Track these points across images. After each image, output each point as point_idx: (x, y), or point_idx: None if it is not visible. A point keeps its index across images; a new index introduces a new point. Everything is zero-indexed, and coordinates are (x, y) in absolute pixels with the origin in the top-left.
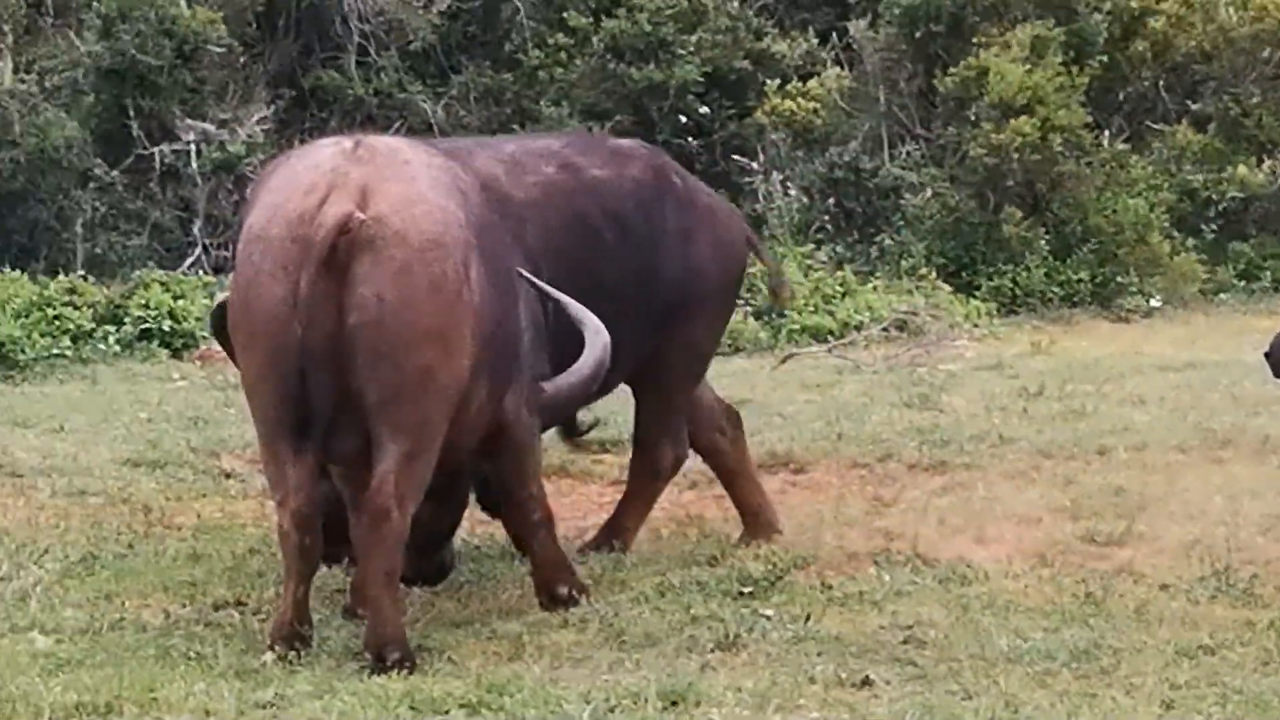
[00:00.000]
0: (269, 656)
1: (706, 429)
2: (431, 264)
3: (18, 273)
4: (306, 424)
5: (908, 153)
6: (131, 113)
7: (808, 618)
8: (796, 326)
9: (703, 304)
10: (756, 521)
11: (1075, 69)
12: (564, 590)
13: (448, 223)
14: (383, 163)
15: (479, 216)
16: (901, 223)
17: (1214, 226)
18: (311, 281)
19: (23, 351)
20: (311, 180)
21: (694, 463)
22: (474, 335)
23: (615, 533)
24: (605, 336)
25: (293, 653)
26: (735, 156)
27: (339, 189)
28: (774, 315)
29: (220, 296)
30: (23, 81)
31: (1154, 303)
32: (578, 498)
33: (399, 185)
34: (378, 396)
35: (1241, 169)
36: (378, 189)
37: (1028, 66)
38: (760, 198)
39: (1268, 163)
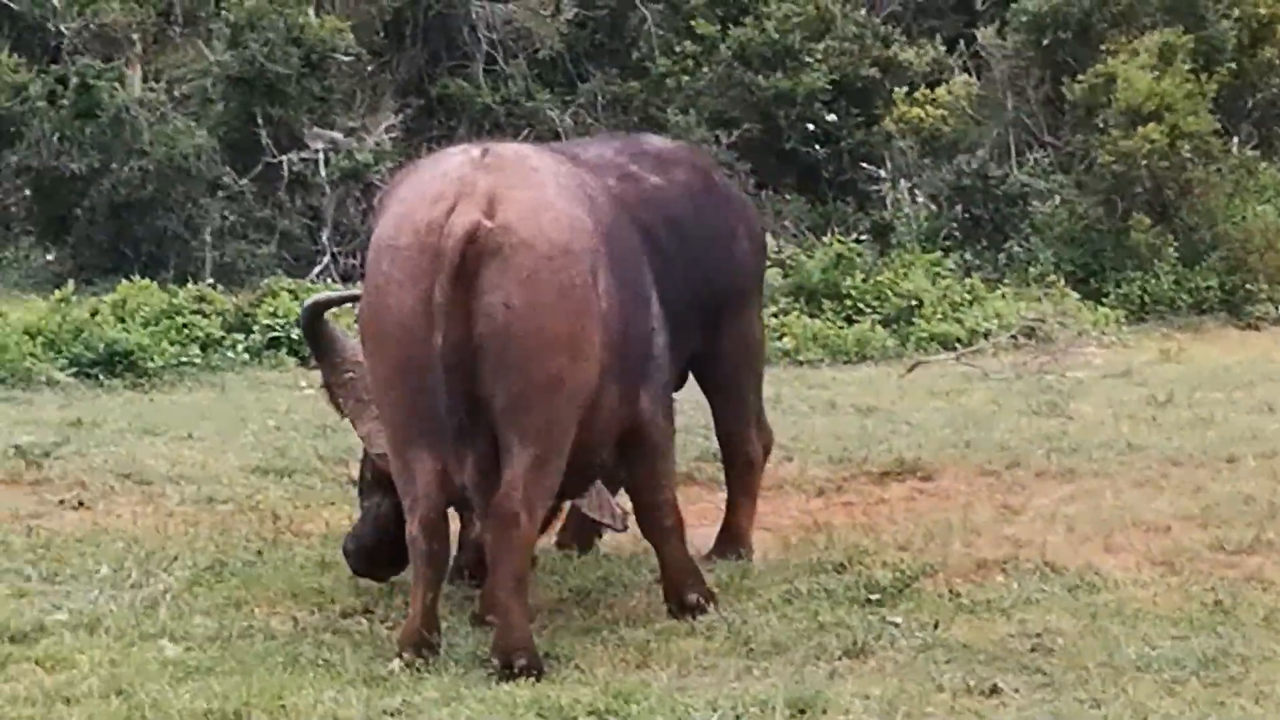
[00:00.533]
0: (397, 664)
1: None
2: (559, 271)
3: (147, 281)
4: (434, 430)
5: (1035, 160)
6: (260, 121)
7: (936, 625)
8: (925, 334)
9: (748, 297)
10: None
11: (1204, 75)
12: (693, 597)
13: (575, 229)
14: (510, 170)
15: (607, 221)
16: (1029, 230)
17: None
18: (441, 290)
19: (152, 360)
20: (439, 189)
21: (821, 471)
22: (602, 341)
23: (733, 537)
24: None
25: (420, 660)
26: (862, 164)
27: (466, 198)
28: (902, 323)
29: (311, 298)
30: (152, 90)
31: None
32: (705, 506)
33: (526, 193)
34: (506, 403)
35: None
36: (505, 197)
37: (1156, 73)
38: (888, 205)
39: None
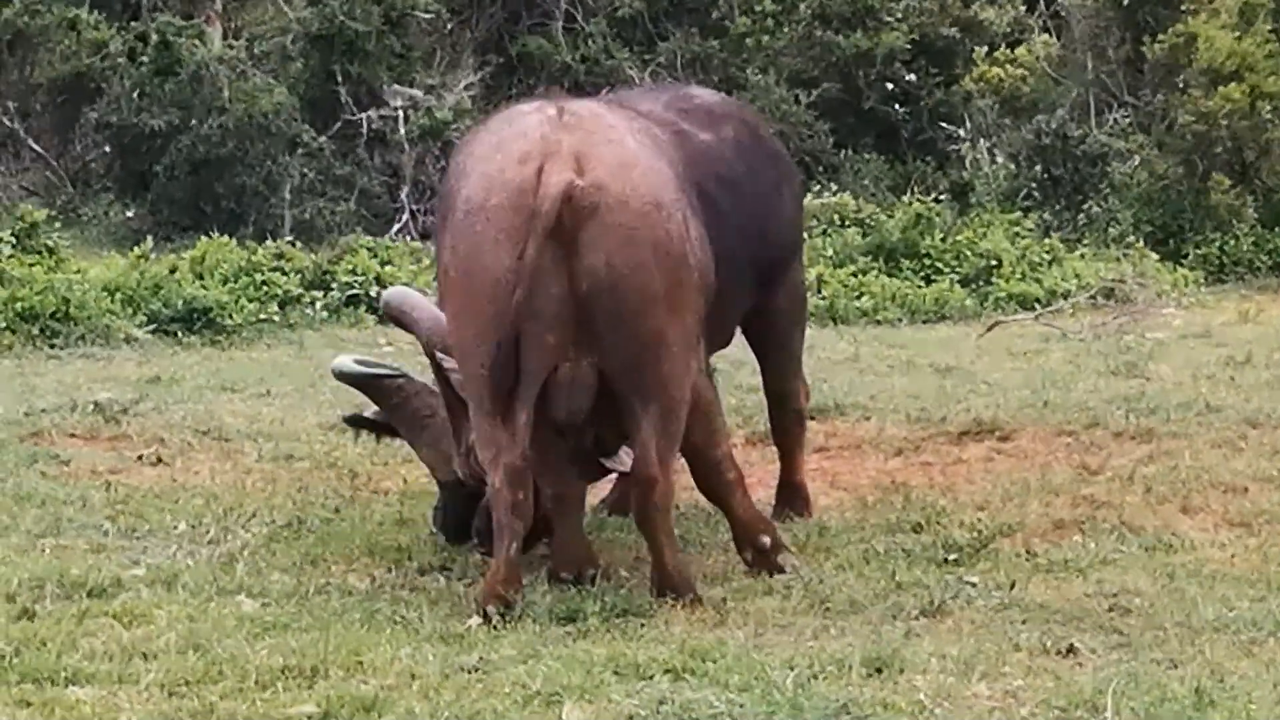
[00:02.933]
0: (474, 621)
1: None
2: (655, 227)
3: (226, 238)
4: (521, 385)
5: (1115, 120)
6: (339, 79)
7: (1013, 585)
8: (1003, 294)
9: (795, 251)
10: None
11: None
12: (766, 540)
13: (664, 184)
14: (590, 128)
15: (683, 175)
16: (1109, 190)
17: None
18: (538, 250)
19: (230, 317)
20: (524, 149)
21: (899, 430)
22: (699, 292)
23: (792, 492)
24: None
25: (499, 616)
26: (942, 124)
27: (553, 157)
28: (981, 283)
29: (337, 366)
30: (231, 48)
31: None
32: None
33: (610, 149)
34: (621, 363)
35: None
36: (591, 155)
37: (1237, 33)
38: (967, 165)
39: None
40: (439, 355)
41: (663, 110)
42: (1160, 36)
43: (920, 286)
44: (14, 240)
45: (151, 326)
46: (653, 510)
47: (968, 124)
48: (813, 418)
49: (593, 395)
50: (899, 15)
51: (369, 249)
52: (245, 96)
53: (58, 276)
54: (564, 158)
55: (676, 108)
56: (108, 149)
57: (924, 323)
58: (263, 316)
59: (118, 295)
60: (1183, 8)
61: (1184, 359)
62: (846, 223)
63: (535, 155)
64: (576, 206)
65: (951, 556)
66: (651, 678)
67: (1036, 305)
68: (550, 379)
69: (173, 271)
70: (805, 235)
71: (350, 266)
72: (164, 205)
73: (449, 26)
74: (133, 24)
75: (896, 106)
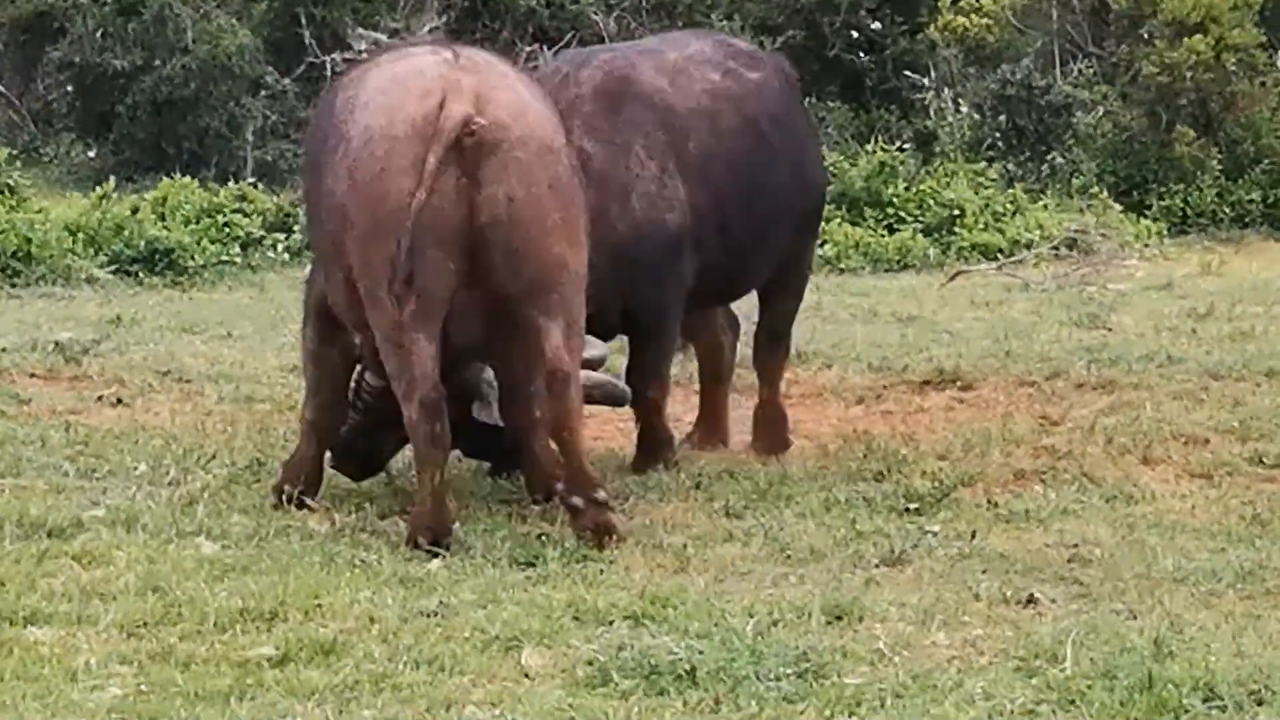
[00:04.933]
0: (434, 564)
1: (712, 329)
2: (550, 166)
3: (188, 179)
4: (429, 313)
5: (1080, 70)
6: (304, 21)
7: (973, 535)
8: (966, 244)
9: (822, 197)
10: (709, 429)
11: None
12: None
13: (555, 129)
14: (486, 72)
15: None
16: (1073, 141)
17: None
18: (437, 175)
19: (192, 258)
20: (424, 85)
21: (861, 379)
22: (586, 231)
23: (773, 415)
24: (601, 349)
25: (437, 545)
26: (906, 73)
27: (454, 94)
28: (944, 232)
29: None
30: None
31: None
32: (744, 412)
33: (508, 94)
34: (522, 287)
35: None
36: (490, 96)
37: None
38: (931, 114)
39: None
40: None
41: (711, 49)
42: None
43: (883, 235)
44: None
45: (113, 267)
46: (568, 405)
47: (932, 73)
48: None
49: (485, 324)
50: None
51: None
52: (209, 37)
53: (19, 216)
54: (465, 95)
55: (724, 49)
56: (70, 89)
57: (887, 272)
58: (224, 258)
59: (79, 235)
60: None
61: (1146, 310)
62: None
63: (436, 91)
64: (479, 142)
65: (912, 505)
66: (611, 624)
67: (999, 255)
68: (449, 308)
69: (134, 212)
70: None
71: None
72: (126, 146)
73: None
74: None
75: (861, 55)
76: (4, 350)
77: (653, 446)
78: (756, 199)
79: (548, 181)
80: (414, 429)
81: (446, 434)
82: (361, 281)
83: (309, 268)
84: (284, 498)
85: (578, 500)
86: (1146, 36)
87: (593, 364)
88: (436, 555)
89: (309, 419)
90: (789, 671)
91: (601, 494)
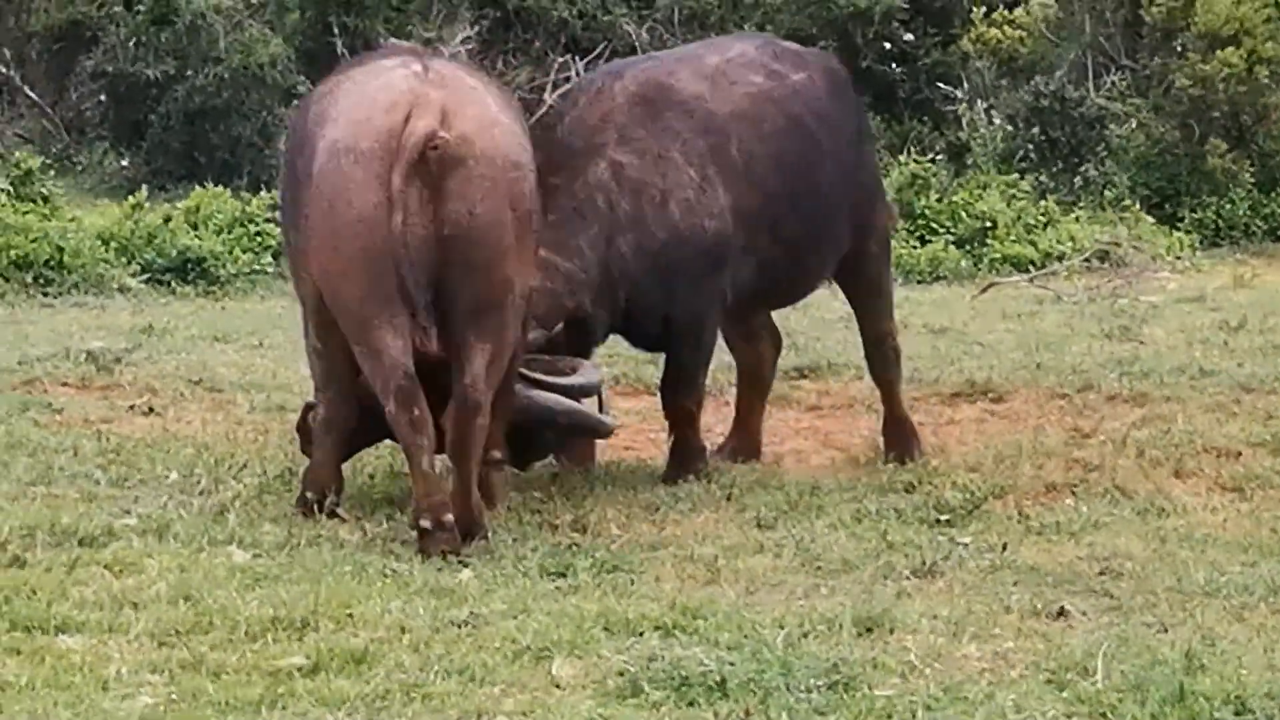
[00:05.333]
0: (466, 574)
1: (755, 340)
2: (513, 184)
3: (221, 188)
4: (396, 311)
5: (1113, 83)
6: (336, 30)
7: (1004, 547)
8: (998, 256)
9: (880, 197)
10: (744, 441)
11: None
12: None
13: (521, 146)
14: (456, 86)
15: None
16: (1105, 153)
17: None
18: (404, 190)
19: (224, 267)
20: (391, 99)
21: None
22: (535, 251)
23: (898, 429)
24: (598, 374)
25: (440, 529)
26: (939, 84)
27: (421, 108)
28: (976, 245)
29: None
30: None
31: None
32: (776, 423)
33: (476, 108)
34: (469, 304)
35: None
36: (458, 110)
37: None
38: (964, 126)
39: None
40: None
41: (755, 51)
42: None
43: (915, 247)
44: (9, 188)
45: (145, 276)
46: (473, 434)
47: (965, 85)
48: (805, 376)
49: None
50: None
51: None
52: (241, 47)
53: (52, 225)
54: (431, 109)
55: (769, 50)
56: (103, 97)
57: (919, 283)
58: (256, 267)
59: (112, 244)
60: None
61: (1178, 323)
62: None
63: (403, 105)
64: (444, 156)
65: (943, 517)
66: (642, 634)
67: (1031, 267)
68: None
69: (167, 221)
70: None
71: None
72: (159, 155)
73: None
74: None
75: (894, 66)
76: (37, 359)
77: (685, 457)
78: (807, 199)
79: (509, 199)
80: (394, 420)
81: (427, 417)
82: (323, 286)
83: None
84: (312, 506)
85: (426, 523)
86: (1179, 49)
87: (586, 390)
88: (457, 555)
89: (322, 417)
90: (820, 683)
91: (449, 517)
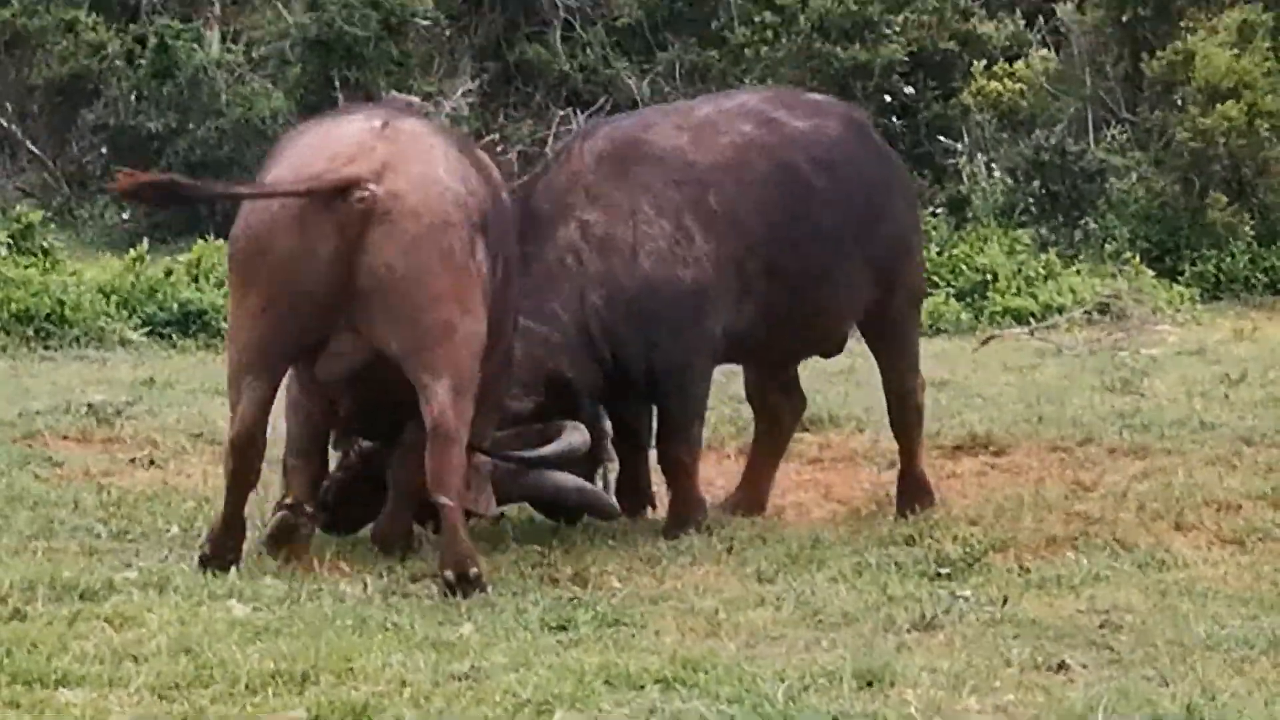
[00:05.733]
0: (467, 628)
1: (772, 394)
2: (440, 240)
3: (222, 241)
4: (273, 364)
5: (1113, 136)
6: (337, 84)
7: (1005, 600)
8: (998, 308)
9: (909, 252)
10: (750, 495)
11: None
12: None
13: (457, 204)
14: (406, 143)
15: (490, 205)
16: (1106, 206)
17: None
18: (324, 239)
19: (224, 320)
20: (336, 149)
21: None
22: (483, 302)
23: (918, 485)
24: (584, 433)
25: (220, 561)
26: (940, 137)
27: (361, 160)
28: (976, 297)
29: None
30: (230, 52)
31: None
32: (777, 475)
33: (417, 166)
34: (406, 348)
35: None
36: (398, 167)
37: (1235, 51)
38: (964, 179)
39: None
40: None
41: (757, 102)
42: (1159, 53)
43: None
44: (10, 241)
45: (146, 329)
46: (450, 465)
47: (966, 138)
48: (806, 429)
49: (347, 364)
50: (898, 28)
51: None
52: (243, 100)
53: (53, 278)
54: (370, 161)
55: (779, 101)
56: (104, 151)
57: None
58: None
59: (113, 298)
60: (1181, 24)
61: (1179, 376)
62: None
63: (345, 155)
64: (368, 209)
65: (944, 570)
66: (643, 688)
67: (1032, 320)
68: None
69: (168, 274)
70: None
71: None
72: (160, 208)
73: (447, 33)
74: (131, 26)
75: (894, 119)
76: (37, 413)
77: (683, 511)
78: (806, 246)
79: (438, 254)
80: (225, 460)
81: (253, 472)
82: (232, 318)
83: None
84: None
85: (450, 575)
86: (1179, 103)
87: (574, 451)
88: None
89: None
90: None
91: (474, 571)
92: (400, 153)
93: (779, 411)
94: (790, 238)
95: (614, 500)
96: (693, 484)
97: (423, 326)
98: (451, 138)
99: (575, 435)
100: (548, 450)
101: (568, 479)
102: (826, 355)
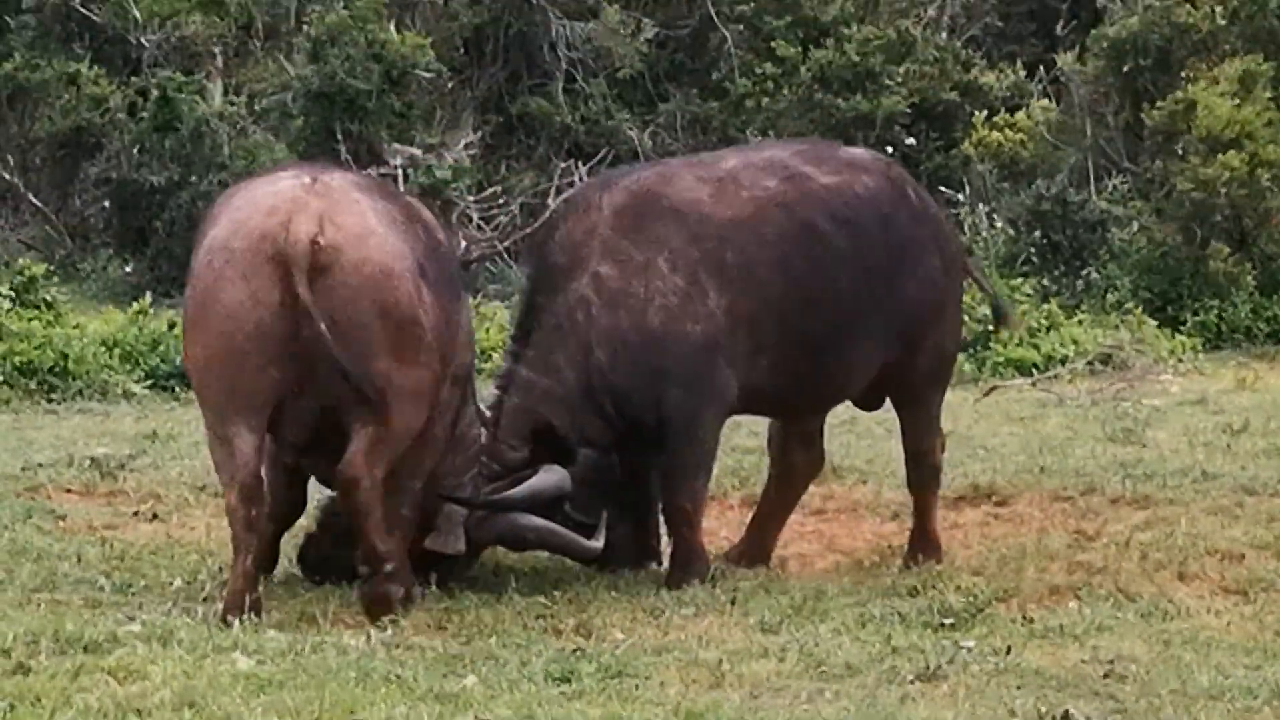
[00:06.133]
0: (470, 680)
1: (794, 449)
2: (382, 291)
3: None
4: (252, 408)
5: (1114, 186)
6: (339, 136)
7: (1008, 650)
8: (1001, 359)
9: (940, 314)
10: (755, 546)
11: None
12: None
13: (396, 255)
14: (338, 197)
15: (426, 249)
16: (1107, 256)
17: None
18: (269, 291)
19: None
20: (273, 204)
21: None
22: (434, 347)
23: (925, 542)
24: (558, 474)
25: (249, 619)
26: (941, 188)
27: (300, 214)
28: (979, 348)
29: None
30: (232, 104)
31: None
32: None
33: (353, 219)
34: (342, 396)
35: None
36: (335, 219)
37: (1236, 101)
38: (966, 229)
39: None
40: None
41: (788, 155)
42: (1160, 103)
43: None
44: (12, 294)
45: (149, 382)
46: (355, 508)
47: (967, 188)
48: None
49: (311, 428)
50: (899, 79)
51: None
52: (245, 153)
53: (56, 331)
54: (310, 215)
55: (811, 155)
56: (107, 204)
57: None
58: None
59: (116, 350)
60: (1182, 75)
61: (1181, 426)
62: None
63: (283, 210)
64: (313, 261)
65: (947, 621)
66: None
67: (1034, 371)
68: (280, 407)
69: (171, 327)
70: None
71: None
72: (163, 261)
73: (449, 85)
74: (133, 79)
75: None
76: (41, 466)
77: (686, 562)
78: (823, 303)
79: (378, 308)
80: (232, 514)
81: (262, 520)
82: (192, 376)
83: None
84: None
85: (230, 615)
86: (1180, 153)
87: (545, 492)
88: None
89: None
90: None
91: (389, 566)
92: (332, 206)
93: (795, 465)
94: (806, 295)
95: (587, 543)
96: (695, 535)
97: (363, 379)
98: (377, 190)
99: (546, 478)
100: (513, 493)
101: (534, 522)
102: (867, 408)
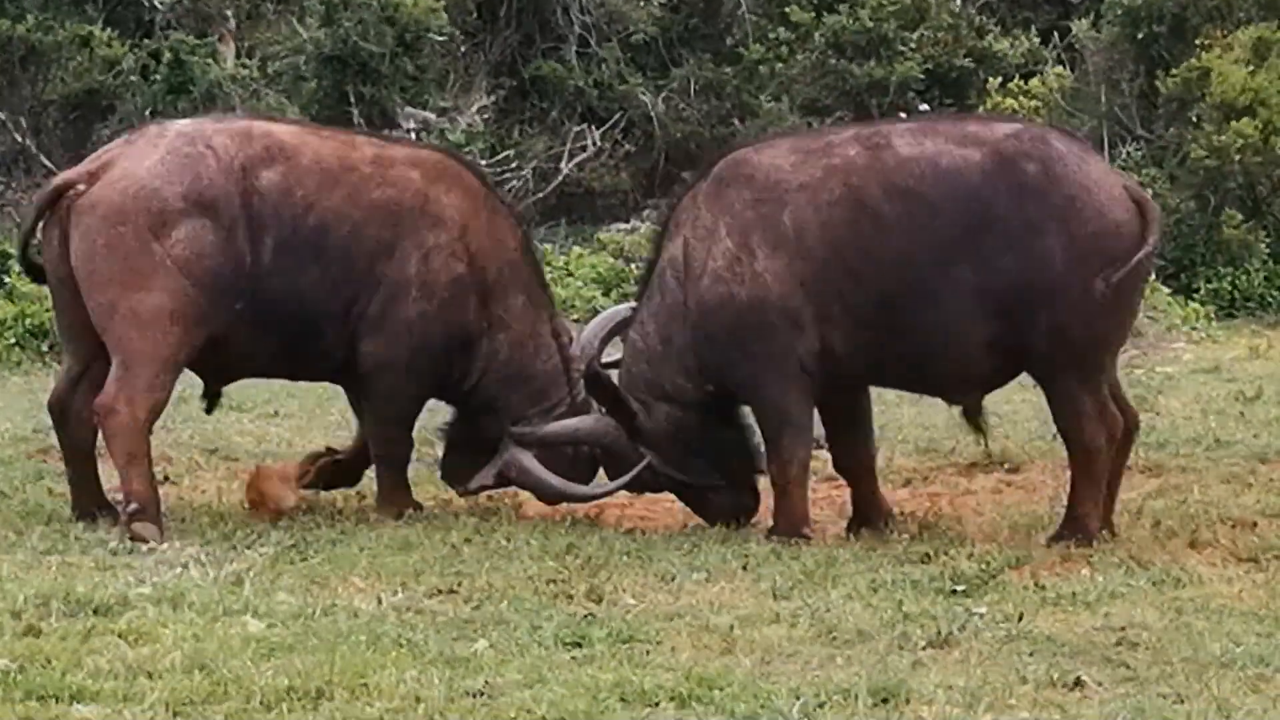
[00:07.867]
0: (481, 645)
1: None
2: (111, 228)
3: None
4: (65, 340)
5: (1128, 153)
6: (352, 100)
7: (1020, 617)
8: None
9: (1054, 296)
10: (864, 511)
11: None
12: None
13: (139, 195)
14: (142, 143)
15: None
16: None
17: None
18: (48, 232)
19: None
20: (94, 154)
21: (909, 461)
22: (181, 280)
23: (1078, 522)
24: (605, 423)
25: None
26: None
27: (90, 162)
28: None
29: None
30: (244, 67)
31: None
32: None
33: (125, 168)
34: (98, 325)
35: None
36: (114, 168)
37: (1250, 68)
38: None
39: None
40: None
41: (901, 129)
42: (1174, 71)
43: None
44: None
45: None
46: (112, 434)
47: None
48: (822, 446)
49: None
50: (913, 45)
51: None
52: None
53: None
54: (91, 164)
55: (921, 128)
56: None
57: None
58: None
59: None
60: (1196, 42)
61: (1193, 394)
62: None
63: (94, 160)
64: (69, 206)
65: (959, 587)
66: (657, 704)
67: None
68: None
69: None
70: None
71: None
72: None
73: (462, 49)
74: (146, 41)
75: None
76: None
77: (785, 521)
78: (873, 273)
79: (104, 243)
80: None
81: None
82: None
83: None
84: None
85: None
86: (1195, 120)
87: (575, 435)
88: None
89: None
90: None
91: (134, 506)
92: (122, 154)
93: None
94: (851, 263)
95: (560, 484)
96: (788, 500)
97: (95, 309)
98: (195, 136)
99: (585, 421)
100: (548, 429)
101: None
102: (986, 389)
